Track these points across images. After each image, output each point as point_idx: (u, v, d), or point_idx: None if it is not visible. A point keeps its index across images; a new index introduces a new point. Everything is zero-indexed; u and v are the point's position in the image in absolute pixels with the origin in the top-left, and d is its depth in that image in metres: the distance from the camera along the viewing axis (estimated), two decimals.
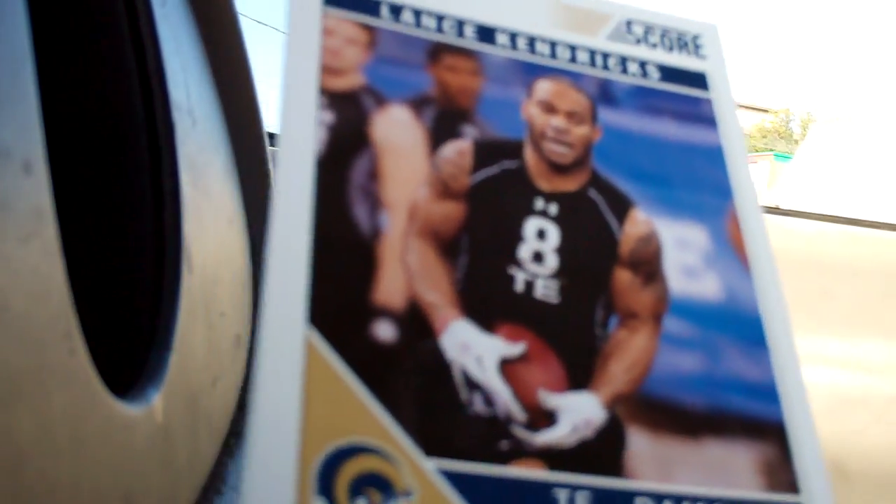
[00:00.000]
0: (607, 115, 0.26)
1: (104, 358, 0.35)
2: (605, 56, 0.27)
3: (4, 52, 0.29)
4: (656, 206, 0.24)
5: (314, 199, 0.21)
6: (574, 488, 0.20)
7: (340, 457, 0.19)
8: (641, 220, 0.24)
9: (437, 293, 0.21)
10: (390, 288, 0.21)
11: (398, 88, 0.24)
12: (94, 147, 0.47)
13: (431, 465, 0.19)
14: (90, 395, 0.33)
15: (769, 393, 0.22)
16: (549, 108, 0.25)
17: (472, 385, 0.21)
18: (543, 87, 0.25)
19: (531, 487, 0.20)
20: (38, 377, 0.29)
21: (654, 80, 0.27)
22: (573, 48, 0.26)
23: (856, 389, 1.47)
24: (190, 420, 0.46)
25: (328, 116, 0.23)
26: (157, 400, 0.41)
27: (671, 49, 0.27)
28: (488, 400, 0.21)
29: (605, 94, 0.26)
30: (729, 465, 0.21)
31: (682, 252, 0.24)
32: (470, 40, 0.25)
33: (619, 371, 0.22)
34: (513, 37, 0.26)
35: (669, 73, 0.27)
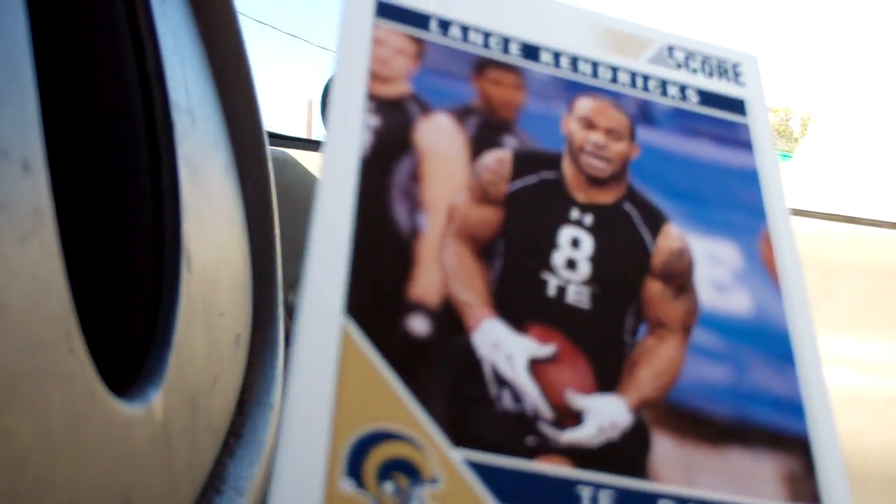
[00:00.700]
0: (645, 134, 0.26)
1: (103, 358, 0.35)
2: (646, 78, 0.27)
3: (3, 51, 0.29)
4: (690, 222, 0.25)
5: (356, 197, 0.22)
6: (598, 486, 0.20)
7: (370, 441, 0.19)
8: (675, 235, 0.25)
9: (471, 292, 0.22)
10: (426, 284, 0.22)
11: (443, 98, 0.25)
12: (93, 146, 0.47)
13: (458, 456, 0.20)
14: (89, 394, 0.33)
15: (795, 407, 0.22)
16: (589, 125, 0.26)
17: (502, 382, 0.21)
18: (584, 104, 0.26)
19: (555, 483, 0.20)
20: (37, 377, 0.29)
21: (692, 104, 0.27)
22: (615, 69, 0.27)
23: (856, 389, 1.47)
24: (189, 420, 0.46)
25: (374, 120, 0.24)
26: (156, 400, 0.41)
27: (711, 75, 0.28)
28: (516, 397, 0.21)
29: (645, 114, 0.27)
30: (752, 474, 0.21)
31: (714, 267, 0.24)
32: (514, 56, 0.26)
33: (647, 377, 0.22)
34: (556, 55, 0.27)
35: (708, 98, 0.28)
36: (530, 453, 0.20)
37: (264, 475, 0.55)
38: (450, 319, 0.21)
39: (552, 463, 0.20)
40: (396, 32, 0.25)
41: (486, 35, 0.26)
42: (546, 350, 0.22)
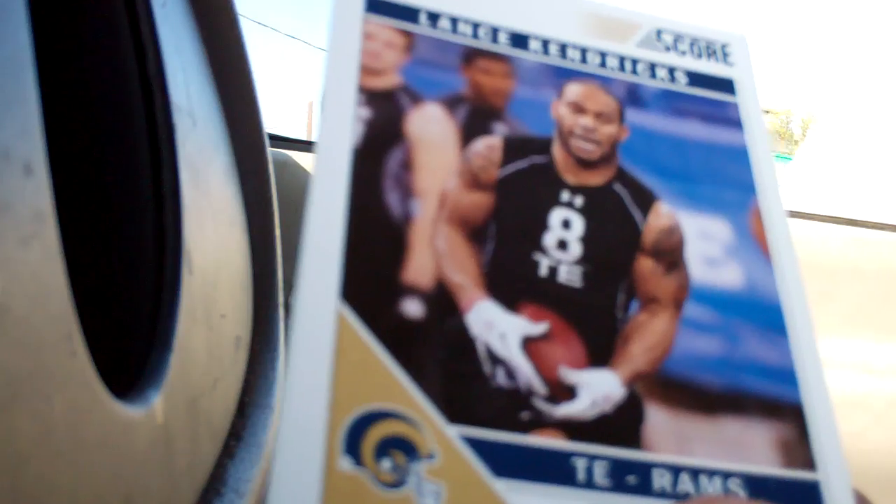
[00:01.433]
0: (634, 116, 0.27)
1: (104, 359, 0.35)
2: (635, 62, 0.28)
3: (5, 54, 0.29)
4: (680, 200, 0.25)
5: (350, 186, 0.23)
6: (592, 458, 0.21)
7: (368, 420, 0.20)
8: (665, 213, 0.25)
9: (463, 275, 0.23)
10: (419, 268, 0.22)
11: (433, 88, 0.25)
12: (94, 149, 0.47)
13: (454, 432, 0.20)
14: (90, 396, 0.33)
15: (788, 376, 0.23)
16: (579, 109, 0.26)
17: (495, 360, 0.22)
18: (573, 90, 0.27)
19: (550, 455, 0.20)
20: (39, 379, 0.29)
21: (681, 85, 0.28)
22: (603, 54, 0.27)
23: (857, 391, 1.47)
24: (190, 421, 0.46)
25: (366, 112, 0.24)
26: (157, 401, 0.41)
27: (700, 56, 0.29)
28: (510, 374, 0.21)
29: (634, 97, 0.27)
30: (746, 442, 0.22)
31: (705, 243, 0.25)
32: (504, 46, 0.27)
33: (639, 351, 0.23)
34: (545, 43, 0.27)
35: (697, 79, 0.28)
36: (525, 427, 0.21)
37: (264, 477, 0.55)
38: (443, 301, 0.22)
39: (547, 436, 0.21)
40: (386, 26, 0.26)
41: (475, 25, 0.27)
42: (539, 328, 0.22)
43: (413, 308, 0.21)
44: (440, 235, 0.23)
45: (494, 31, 0.27)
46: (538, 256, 0.23)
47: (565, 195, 0.25)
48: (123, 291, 0.46)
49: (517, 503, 0.20)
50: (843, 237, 1.53)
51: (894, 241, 1.54)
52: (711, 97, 0.28)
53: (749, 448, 0.22)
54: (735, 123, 0.27)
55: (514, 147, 0.25)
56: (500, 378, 0.21)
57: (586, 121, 0.26)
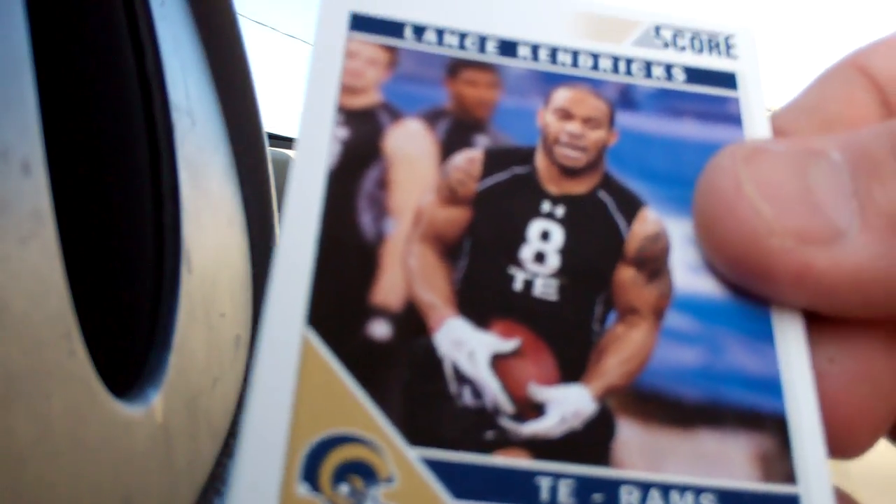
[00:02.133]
0: (626, 119, 0.25)
1: (104, 359, 0.35)
2: (629, 62, 0.26)
3: (3, 53, 0.29)
4: (669, 204, 0.24)
5: (323, 208, 0.22)
6: (557, 476, 0.20)
7: (327, 446, 0.19)
8: (651, 220, 0.24)
9: (434, 293, 0.22)
10: (389, 289, 0.22)
11: (414, 103, 0.25)
12: (93, 148, 0.47)
13: (415, 454, 0.20)
14: (90, 395, 0.33)
15: (772, 385, 0.22)
16: (566, 115, 0.25)
17: (462, 379, 0.21)
18: (561, 95, 0.25)
19: (513, 475, 0.20)
20: (37, 378, 0.29)
21: (678, 83, 0.26)
22: (595, 56, 0.26)
23: None
24: (190, 421, 0.46)
25: (343, 132, 0.23)
26: (156, 400, 0.41)
27: (700, 51, 0.27)
28: (477, 393, 0.21)
29: (626, 99, 0.26)
30: (722, 456, 0.21)
31: (691, 248, 0.24)
32: (491, 55, 0.26)
33: (614, 364, 0.22)
34: (534, 49, 0.26)
35: (696, 75, 0.27)
36: (489, 447, 0.20)
37: None
38: (412, 322, 0.21)
39: (511, 456, 0.20)
40: (370, 43, 0.25)
41: (462, 36, 0.26)
42: (509, 345, 0.21)
43: (380, 330, 0.21)
44: (412, 254, 0.22)
45: (482, 40, 0.26)
46: (513, 270, 0.23)
47: (546, 206, 0.24)
48: (122, 290, 0.46)
49: None
50: None
51: None
52: (710, 93, 0.26)
53: (725, 462, 0.21)
54: (734, 120, 0.26)
55: (496, 159, 0.24)
56: (467, 397, 0.21)
57: (573, 127, 0.25)
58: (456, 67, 0.25)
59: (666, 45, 0.27)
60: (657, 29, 0.27)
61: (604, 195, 0.24)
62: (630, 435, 0.21)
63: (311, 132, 0.23)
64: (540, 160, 0.24)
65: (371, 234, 0.22)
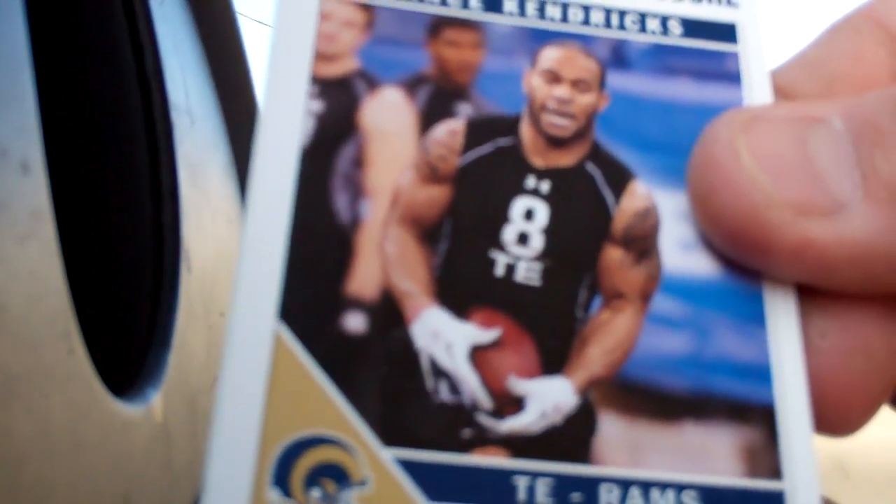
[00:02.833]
0: (617, 80, 0.24)
1: (103, 358, 0.35)
2: (622, 14, 0.24)
3: (2, 52, 0.29)
4: (660, 176, 0.23)
5: (295, 191, 0.21)
6: (535, 475, 0.19)
7: (299, 448, 0.19)
8: (640, 194, 0.23)
9: (411, 281, 0.21)
10: (364, 278, 0.20)
11: (392, 69, 0.23)
12: (92, 147, 0.47)
13: (389, 455, 0.19)
14: (89, 394, 0.33)
15: (761, 373, 0.21)
16: (554, 78, 0.23)
17: (439, 373, 0.20)
18: (549, 55, 0.24)
19: (489, 475, 0.19)
20: (37, 377, 0.29)
21: (674, 37, 0.24)
22: (587, 8, 0.24)
23: None
24: (189, 420, 0.46)
25: (317, 105, 0.22)
26: (156, 400, 0.41)
27: (700, 0, 0.25)
28: (454, 388, 0.20)
29: (618, 57, 0.24)
30: (707, 449, 0.20)
31: (682, 224, 0.22)
32: (475, 11, 0.24)
33: (597, 354, 0.21)
34: (521, 2, 0.24)
35: (693, 27, 0.25)
36: (466, 446, 0.19)
37: None
38: (388, 313, 0.20)
39: (489, 454, 0.19)
40: (345, 2, 0.23)
41: None
42: (489, 336, 0.20)
43: (355, 323, 0.20)
44: (390, 239, 0.21)
45: None
46: (495, 254, 0.21)
47: (531, 181, 0.22)
48: (122, 290, 0.46)
49: None
50: None
51: None
52: (708, 48, 0.24)
53: (710, 456, 0.20)
54: (733, 78, 0.24)
55: (479, 130, 0.22)
56: (444, 393, 0.20)
57: (561, 91, 0.23)
58: (438, 26, 0.23)
59: None
60: None
61: (592, 168, 0.23)
62: (612, 429, 0.20)
63: (281, 106, 0.21)
64: (525, 130, 0.23)
65: (346, 218, 0.21)
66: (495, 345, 0.21)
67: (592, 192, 0.22)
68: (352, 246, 0.21)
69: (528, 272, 0.21)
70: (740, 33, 0.25)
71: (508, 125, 0.23)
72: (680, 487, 0.20)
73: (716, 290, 0.22)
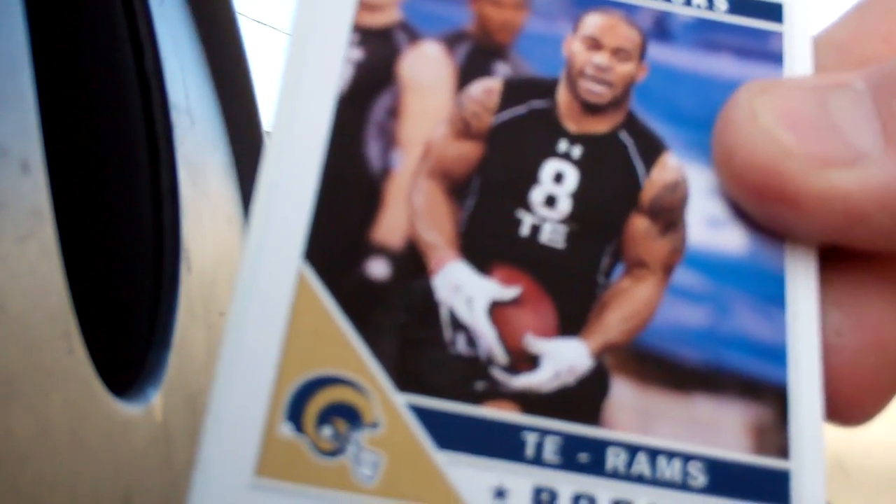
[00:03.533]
0: (658, 52, 0.24)
1: (103, 357, 0.35)
2: None
3: (2, 52, 0.29)
4: (693, 150, 0.23)
5: (329, 137, 0.21)
6: (544, 433, 0.19)
7: (314, 386, 0.19)
8: (672, 166, 0.23)
9: (437, 233, 0.21)
10: (391, 226, 0.21)
11: (434, 24, 0.23)
12: (92, 147, 0.47)
13: (402, 400, 0.19)
14: (89, 394, 0.33)
15: (776, 353, 0.21)
16: (595, 45, 0.23)
17: (458, 325, 0.20)
18: (591, 22, 0.24)
19: (499, 428, 0.19)
20: (37, 376, 0.29)
21: (720, 13, 0.24)
22: None
23: None
24: (189, 419, 0.46)
25: (357, 53, 0.22)
26: (156, 399, 0.41)
27: None
28: (471, 341, 0.20)
29: (661, 29, 0.24)
30: (716, 423, 0.20)
31: (711, 201, 0.22)
32: None
33: (615, 320, 0.21)
34: None
35: (739, 4, 0.24)
36: (478, 398, 0.20)
37: None
38: (412, 262, 0.20)
39: (500, 408, 0.19)
40: None
41: None
42: (509, 292, 0.21)
43: (379, 269, 0.20)
44: (418, 190, 0.21)
45: None
46: (521, 214, 0.22)
47: (563, 145, 0.22)
48: (122, 289, 0.46)
49: (457, 477, 0.19)
50: None
51: None
52: (753, 26, 0.24)
53: (719, 430, 0.20)
54: (775, 58, 0.24)
55: (515, 90, 0.23)
56: (460, 345, 0.20)
57: (601, 58, 0.23)
58: None
59: None
60: None
61: (625, 136, 0.23)
62: (624, 395, 0.20)
63: (322, 52, 0.22)
64: (562, 94, 0.23)
65: (377, 167, 0.21)
66: (515, 302, 0.21)
67: (623, 161, 0.23)
68: (380, 194, 0.21)
69: (552, 234, 0.22)
70: (787, 13, 0.25)
71: (545, 88, 0.23)
72: (687, 457, 0.20)
73: (739, 268, 0.22)
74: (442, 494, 0.19)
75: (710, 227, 0.22)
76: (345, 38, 0.22)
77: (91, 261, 0.44)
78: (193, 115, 0.55)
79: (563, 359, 0.20)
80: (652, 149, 0.23)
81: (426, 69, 0.23)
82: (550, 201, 0.22)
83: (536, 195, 0.22)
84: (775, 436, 0.20)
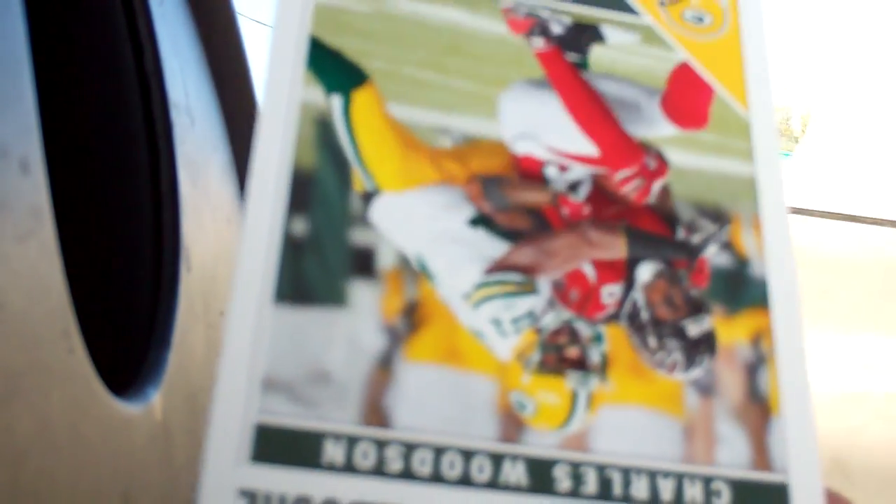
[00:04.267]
0: None
1: (103, 356, 0.35)
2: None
3: (2, 52, 0.29)
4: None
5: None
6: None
7: None
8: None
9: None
10: None
11: None
12: (92, 146, 0.47)
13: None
14: (89, 393, 0.33)
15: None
16: None
17: None
18: None
19: None
20: (37, 375, 0.29)
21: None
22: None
23: (856, 386, 1.47)
24: (189, 418, 0.46)
25: None
26: (156, 398, 0.41)
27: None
28: None
29: None
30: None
31: None
32: None
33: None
34: None
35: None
36: None
37: None
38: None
39: None
40: None
41: None
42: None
43: None
44: None
45: None
46: None
47: None
48: (122, 289, 0.46)
49: None
50: (843, 233, 1.53)
51: (894, 237, 1.54)
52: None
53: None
54: None
55: None
56: None
57: None
58: None
59: None
60: None
61: None
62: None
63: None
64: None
65: None
66: None
67: None
68: None
69: None
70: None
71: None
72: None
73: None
74: None
75: None
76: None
77: (91, 260, 0.45)
78: (193, 115, 0.56)
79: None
80: None
81: None
82: None
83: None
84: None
